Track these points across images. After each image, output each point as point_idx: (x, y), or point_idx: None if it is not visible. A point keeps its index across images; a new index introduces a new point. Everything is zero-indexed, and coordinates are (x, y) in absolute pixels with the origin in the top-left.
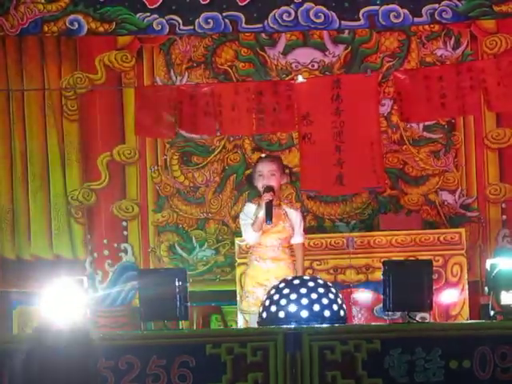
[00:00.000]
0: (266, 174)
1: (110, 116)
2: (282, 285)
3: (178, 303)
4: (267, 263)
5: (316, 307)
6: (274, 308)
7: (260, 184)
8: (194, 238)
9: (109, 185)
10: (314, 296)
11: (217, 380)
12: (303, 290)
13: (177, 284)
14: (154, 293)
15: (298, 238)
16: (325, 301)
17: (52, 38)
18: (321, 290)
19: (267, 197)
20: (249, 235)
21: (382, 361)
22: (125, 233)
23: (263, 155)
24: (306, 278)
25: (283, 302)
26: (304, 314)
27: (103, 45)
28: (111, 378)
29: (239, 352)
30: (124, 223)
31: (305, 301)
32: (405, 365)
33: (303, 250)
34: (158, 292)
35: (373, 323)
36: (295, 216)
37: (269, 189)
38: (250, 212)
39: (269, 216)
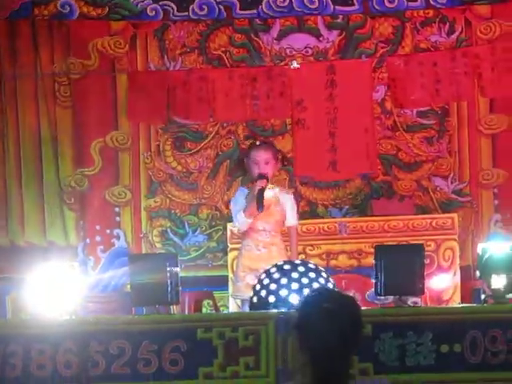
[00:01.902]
0: (261, 162)
1: (103, 102)
2: (274, 269)
3: (169, 288)
4: (259, 248)
5: (306, 292)
6: (264, 292)
7: (254, 171)
8: (186, 223)
9: (102, 171)
10: (304, 281)
11: (208, 364)
12: (294, 275)
13: (168, 269)
14: (145, 278)
15: (291, 221)
16: (315, 285)
17: (44, 23)
18: (312, 275)
19: (260, 184)
20: (239, 221)
21: (373, 345)
22: (117, 219)
23: (258, 142)
24: (297, 262)
25: (273, 286)
26: (294, 298)
27: (96, 30)
28: (102, 363)
29: (230, 336)
30: (117, 209)
31: (295, 285)
32: (396, 349)
33: (297, 234)
34: (149, 277)
35: (364, 307)
36: (287, 200)
37: (262, 177)
38: (242, 197)
39: (260, 204)
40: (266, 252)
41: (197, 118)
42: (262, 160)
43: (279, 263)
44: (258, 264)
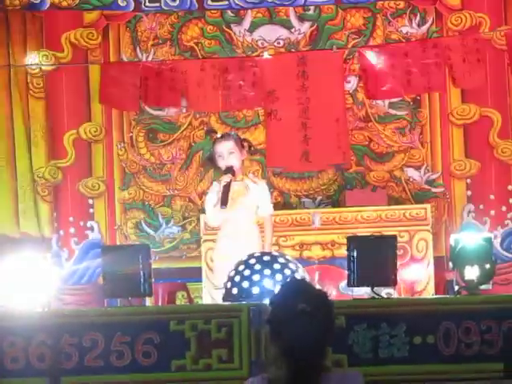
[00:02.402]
0: (225, 154)
1: (76, 94)
2: (242, 261)
3: (142, 280)
4: (234, 239)
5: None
6: (229, 284)
7: (221, 164)
8: (160, 214)
9: (75, 162)
10: (267, 272)
11: (181, 357)
12: (258, 267)
13: (140, 260)
14: (118, 269)
15: (264, 210)
16: (279, 277)
17: (17, 15)
18: (276, 267)
19: (225, 179)
20: (209, 217)
21: (347, 337)
22: (91, 210)
23: (218, 135)
24: (265, 253)
25: (237, 278)
26: (256, 290)
27: (69, 22)
28: (75, 355)
29: (203, 328)
30: (90, 201)
31: (256, 277)
32: (369, 341)
33: (271, 223)
34: (122, 269)
35: (337, 299)
36: (258, 189)
37: (228, 170)
38: (214, 193)
39: (224, 200)
40: (240, 242)
41: (168, 103)
42: (226, 151)
43: (247, 254)
44: (234, 255)
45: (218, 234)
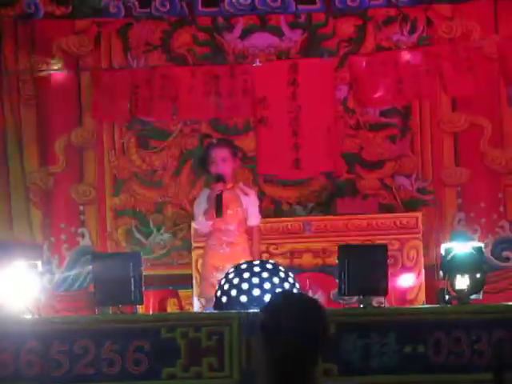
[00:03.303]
0: (218, 160)
1: (67, 100)
2: (232, 270)
3: (133, 287)
4: (223, 248)
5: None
6: (219, 293)
7: (213, 170)
8: (151, 221)
9: (66, 169)
10: (255, 281)
11: (171, 364)
12: (246, 275)
13: (131, 268)
14: (109, 277)
15: (252, 220)
16: (267, 285)
17: (9, 22)
18: (265, 275)
19: (217, 189)
20: (199, 224)
21: (337, 345)
22: (82, 217)
23: (214, 140)
24: (255, 262)
25: (226, 286)
26: (244, 298)
27: (61, 29)
28: (66, 363)
29: (194, 336)
30: (81, 207)
31: (245, 285)
32: (360, 349)
33: (259, 233)
34: (113, 276)
35: (328, 307)
36: (248, 199)
37: (219, 178)
38: (204, 199)
39: (219, 210)
40: (230, 251)
41: (160, 115)
42: (219, 158)
43: (239, 263)
44: (222, 264)
45: (207, 242)
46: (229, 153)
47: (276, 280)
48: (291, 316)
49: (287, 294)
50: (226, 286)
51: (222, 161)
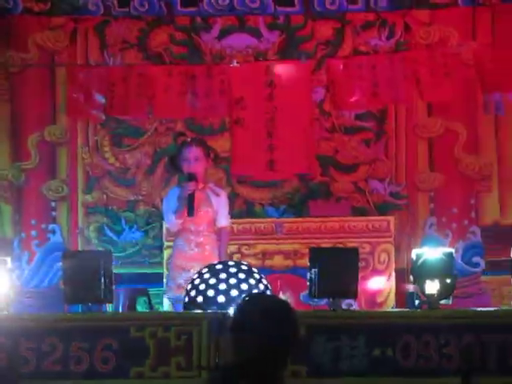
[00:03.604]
0: (191, 159)
1: (41, 96)
2: (205, 270)
3: (103, 286)
4: (192, 248)
5: (235, 292)
6: (193, 293)
7: (185, 169)
8: (123, 219)
9: (39, 165)
10: (232, 281)
11: (139, 364)
12: (223, 276)
13: (102, 267)
14: (79, 275)
15: (222, 221)
16: (244, 286)
17: None
18: (241, 276)
19: (189, 188)
20: (169, 222)
21: (307, 348)
22: (53, 213)
23: (188, 139)
24: (230, 263)
25: (202, 286)
26: (222, 298)
27: (37, 24)
28: (33, 360)
29: (163, 336)
30: (53, 204)
31: (223, 286)
32: (329, 352)
33: (227, 234)
34: (83, 274)
35: (298, 309)
36: (219, 199)
37: (191, 178)
38: (174, 197)
39: (191, 209)
40: (198, 252)
41: (135, 114)
42: (192, 157)
43: (212, 263)
44: (191, 264)
45: (175, 242)
46: (202, 152)
47: (252, 281)
48: (261, 317)
49: (258, 295)
50: (195, 287)
51: (195, 160)
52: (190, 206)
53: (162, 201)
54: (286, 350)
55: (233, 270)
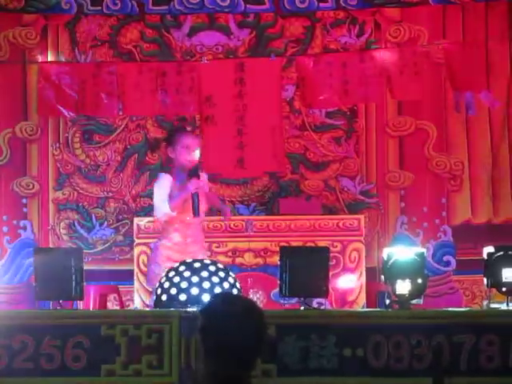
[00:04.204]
0: (192, 148)
1: (12, 93)
2: (177, 267)
3: (74, 283)
4: (186, 239)
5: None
6: (159, 291)
7: (184, 157)
8: (94, 216)
9: (10, 161)
10: (205, 279)
11: (110, 361)
12: (187, 273)
13: (72, 264)
14: (50, 272)
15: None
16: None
17: None
18: (215, 271)
19: (195, 186)
20: (161, 211)
21: (277, 347)
22: (24, 210)
23: (188, 128)
24: (194, 260)
25: (171, 287)
26: (184, 297)
27: (8, 21)
28: (4, 357)
29: (134, 334)
30: (24, 200)
31: (185, 284)
32: (299, 351)
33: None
34: (54, 271)
35: (268, 309)
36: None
37: (193, 173)
38: (167, 185)
39: (196, 209)
40: (189, 244)
41: (105, 113)
42: (194, 145)
43: (184, 261)
44: (181, 256)
45: (163, 233)
46: (198, 145)
47: (215, 279)
48: (229, 318)
49: (225, 295)
50: (167, 285)
51: (194, 150)
52: (195, 206)
53: (132, 197)
54: (253, 351)
55: (197, 265)
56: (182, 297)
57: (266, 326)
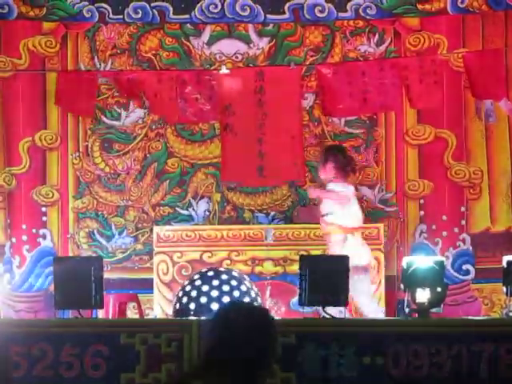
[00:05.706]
0: None
1: (32, 101)
2: (197, 276)
3: (94, 292)
4: None
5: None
6: (186, 299)
7: None
8: (113, 225)
9: (29, 170)
10: (225, 288)
11: (130, 370)
12: (215, 282)
13: (92, 273)
14: (69, 280)
15: None
16: (236, 293)
17: None
18: (233, 283)
19: None
20: None
21: (296, 355)
22: (44, 218)
23: None
24: (221, 270)
25: (194, 293)
26: (215, 306)
27: (28, 29)
28: (24, 365)
29: (153, 342)
30: (44, 209)
31: (215, 293)
32: (319, 360)
33: None
34: (73, 280)
35: (288, 317)
36: None
37: None
38: None
39: None
40: None
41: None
42: None
43: (203, 270)
44: None
45: None
46: None
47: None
48: (239, 326)
49: (236, 303)
50: (185, 294)
51: None
52: None
53: (152, 206)
54: (262, 359)
55: (224, 276)
56: (192, 306)
57: (277, 334)
